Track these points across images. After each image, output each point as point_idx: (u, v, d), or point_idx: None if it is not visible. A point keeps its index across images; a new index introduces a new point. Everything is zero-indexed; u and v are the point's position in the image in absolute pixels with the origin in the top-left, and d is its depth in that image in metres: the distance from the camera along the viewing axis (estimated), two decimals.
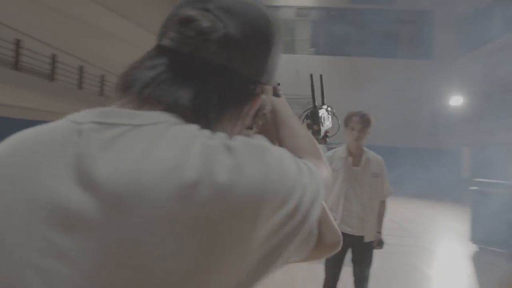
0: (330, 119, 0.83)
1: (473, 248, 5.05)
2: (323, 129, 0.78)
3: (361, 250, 2.38)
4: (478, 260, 4.63)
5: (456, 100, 14.39)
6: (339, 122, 0.87)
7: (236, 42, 0.40)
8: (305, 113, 0.78)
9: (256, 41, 0.43)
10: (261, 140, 0.38)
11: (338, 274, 2.42)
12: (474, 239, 4.98)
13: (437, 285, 3.73)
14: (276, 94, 0.62)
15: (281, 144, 0.55)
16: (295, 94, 15.25)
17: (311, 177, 0.40)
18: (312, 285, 3.19)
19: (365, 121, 2.33)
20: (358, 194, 2.38)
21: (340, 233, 0.63)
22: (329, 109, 0.85)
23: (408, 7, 16.27)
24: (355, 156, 2.43)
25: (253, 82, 0.44)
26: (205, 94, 0.39)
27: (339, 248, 0.63)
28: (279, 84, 0.69)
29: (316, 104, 0.81)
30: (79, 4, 10.01)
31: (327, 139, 0.85)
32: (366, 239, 2.35)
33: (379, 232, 2.42)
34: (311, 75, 0.78)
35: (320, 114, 0.77)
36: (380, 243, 2.39)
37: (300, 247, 0.40)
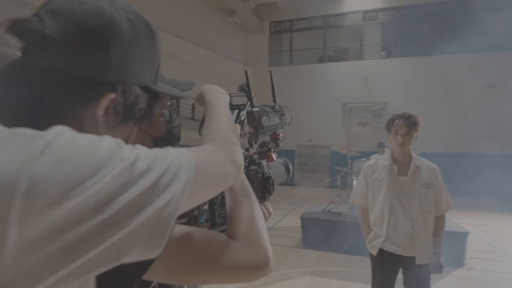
0: (277, 120, 0.75)
1: None
2: (265, 131, 0.71)
3: (413, 273, 2.06)
4: None
5: None
6: (285, 126, 0.77)
7: (55, 42, 0.40)
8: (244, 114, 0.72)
9: (84, 40, 0.41)
10: (51, 130, 0.34)
11: None
12: None
13: None
14: (165, 96, 0.58)
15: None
16: (365, 102, 14.52)
17: (151, 164, 0.37)
18: None
19: (410, 124, 2.06)
20: (406, 207, 2.09)
21: (269, 255, 0.57)
22: (276, 107, 0.77)
23: None
24: (402, 164, 2.15)
25: (93, 82, 0.42)
26: (33, 97, 0.40)
27: (268, 271, 0.56)
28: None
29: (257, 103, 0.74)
30: None
31: (278, 142, 0.77)
32: (418, 261, 2.03)
33: (437, 253, 2.06)
34: (245, 71, 0.72)
35: (257, 115, 0.70)
36: (437, 267, 2.03)
37: (141, 241, 0.36)
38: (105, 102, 0.43)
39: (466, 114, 13.59)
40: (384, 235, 2.10)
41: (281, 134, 0.77)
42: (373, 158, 2.33)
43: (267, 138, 0.76)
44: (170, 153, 0.40)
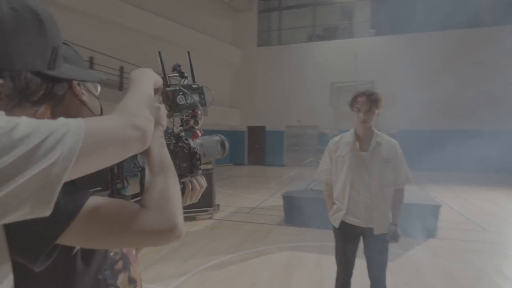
0: (196, 98, 0.79)
1: None
2: (180, 109, 0.75)
3: (372, 243, 2.18)
4: None
5: None
6: (205, 104, 0.81)
7: None
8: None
9: None
10: None
11: (349, 268, 2.27)
12: None
13: (496, 286, 3.19)
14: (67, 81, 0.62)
15: None
16: (354, 81, 14.51)
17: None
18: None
19: (372, 101, 2.11)
20: (366, 182, 2.17)
21: (176, 221, 0.61)
22: (195, 86, 0.81)
23: None
24: (364, 140, 2.22)
25: None
26: None
27: (176, 236, 0.61)
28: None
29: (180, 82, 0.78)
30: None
31: (198, 120, 0.81)
32: (377, 231, 2.14)
33: (395, 224, 2.17)
34: (159, 52, 0.75)
35: (171, 94, 0.75)
36: (394, 236, 2.15)
37: (28, 199, 0.40)
38: None
39: (453, 91, 13.67)
40: (345, 208, 2.20)
41: (200, 112, 0.80)
42: (338, 136, 2.39)
43: (185, 116, 0.80)
44: (57, 121, 0.44)
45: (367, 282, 2.26)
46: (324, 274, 3.39)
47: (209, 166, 5.71)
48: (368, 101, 2.12)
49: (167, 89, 0.75)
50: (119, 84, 10.03)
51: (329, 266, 3.42)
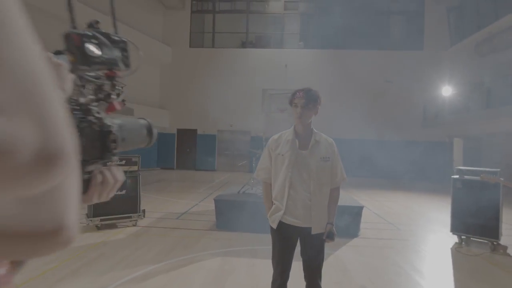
0: (116, 53, 0.57)
1: (454, 239, 4.83)
2: (91, 63, 0.53)
3: (310, 243, 2.14)
4: (457, 252, 4.40)
5: (447, 91, 14.18)
6: (129, 64, 0.60)
7: None
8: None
9: None
10: None
11: (286, 271, 2.18)
12: (454, 229, 4.76)
13: (410, 278, 3.49)
14: None
15: None
16: (285, 89, 15.06)
17: None
18: None
19: (309, 97, 2.09)
20: (305, 180, 2.13)
21: (63, 221, 0.39)
22: (116, 38, 0.59)
23: None
24: (303, 138, 2.18)
25: None
26: None
27: (60, 243, 0.39)
28: None
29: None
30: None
31: (116, 84, 0.59)
32: (314, 231, 2.10)
33: (331, 223, 2.16)
34: None
35: (78, 39, 0.51)
36: (330, 235, 2.13)
37: None
38: None
39: (370, 104, 15.25)
40: (284, 208, 2.12)
41: (119, 73, 0.59)
42: (278, 134, 2.33)
43: (96, 74, 0.57)
44: None
45: (302, 285, 2.21)
46: (258, 278, 3.28)
47: (135, 168, 5.21)
48: (305, 96, 2.10)
49: (75, 31, 0.52)
50: None
51: (263, 270, 3.35)
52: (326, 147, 2.20)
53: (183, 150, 16.16)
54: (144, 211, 5.56)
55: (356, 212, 4.95)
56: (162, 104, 16.26)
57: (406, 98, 15.07)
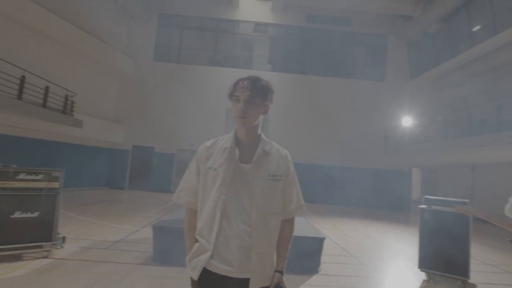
0: None
1: (421, 275, 4.34)
2: None
3: None
4: None
5: (407, 121, 14.54)
6: None
7: None
8: None
9: None
10: None
11: None
12: (422, 265, 4.28)
13: None
14: None
15: None
16: None
17: None
18: None
19: (257, 88, 1.45)
20: (245, 208, 1.43)
21: None
22: None
23: (363, 29, 16.61)
24: (247, 147, 1.51)
25: None
26: None
27: None
28: None
29: None
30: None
31: None
32: (254, 285, 1.39)
33: (280, 272, 1.48)
34: None
35: None
36: None
37: None
38: None
39: (334, 131, 15.23)
40: (211, 249, 1.41)
41: None
42: (211, 140, 1.67)
43: None
44: None
45: None
46: None
47: (55, 184, 4.24)
48: (250, 87, 1.44)
49: None
50: None
51: None
52: (278, 161, 1.53)
53: (138, 169, 14.91)
54: (64, 238, 4.53)
55: (317, 245, 4.32)
56: (118, 118, 15.07)
57: (368, 126, 15.26)
